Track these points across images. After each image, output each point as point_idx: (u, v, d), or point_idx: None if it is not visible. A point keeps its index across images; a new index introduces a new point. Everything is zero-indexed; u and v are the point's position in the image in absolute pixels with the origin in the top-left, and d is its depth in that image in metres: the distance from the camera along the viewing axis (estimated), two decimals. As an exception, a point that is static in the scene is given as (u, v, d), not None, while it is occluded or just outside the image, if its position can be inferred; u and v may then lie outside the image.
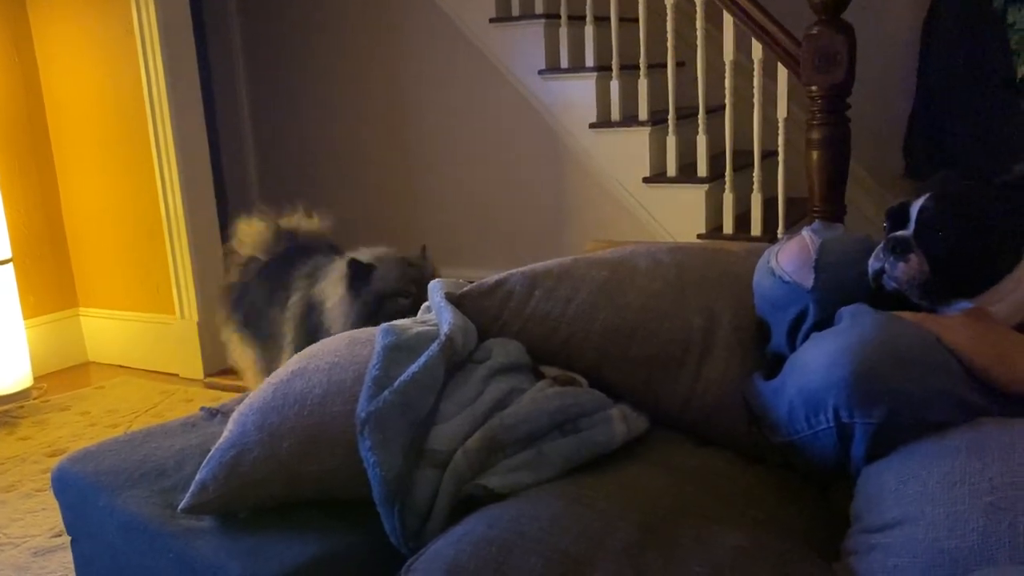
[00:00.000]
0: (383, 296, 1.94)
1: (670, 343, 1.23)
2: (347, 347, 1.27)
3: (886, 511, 0.91)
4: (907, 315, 1.03)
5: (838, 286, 1.10)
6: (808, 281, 1.13)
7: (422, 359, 1.18)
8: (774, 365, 1.13)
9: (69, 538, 1.39)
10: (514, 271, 1.42)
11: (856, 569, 0.89)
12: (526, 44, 3.48)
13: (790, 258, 1.17)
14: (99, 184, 3.42)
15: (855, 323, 1.01)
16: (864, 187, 3.57)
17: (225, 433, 1.20)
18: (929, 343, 0.98)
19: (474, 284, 1.45)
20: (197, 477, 1.15)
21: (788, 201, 2.80)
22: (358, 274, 1.95)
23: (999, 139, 3.37)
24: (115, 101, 3.29)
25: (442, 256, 3.80)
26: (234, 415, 1.23)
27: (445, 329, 1.25)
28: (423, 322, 1.40)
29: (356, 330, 1.38)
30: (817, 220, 1.20)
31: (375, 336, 1.27)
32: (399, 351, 1.23)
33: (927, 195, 1.01)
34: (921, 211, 1.01)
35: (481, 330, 1.34)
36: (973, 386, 0.97)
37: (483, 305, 1.37)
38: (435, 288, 1.42)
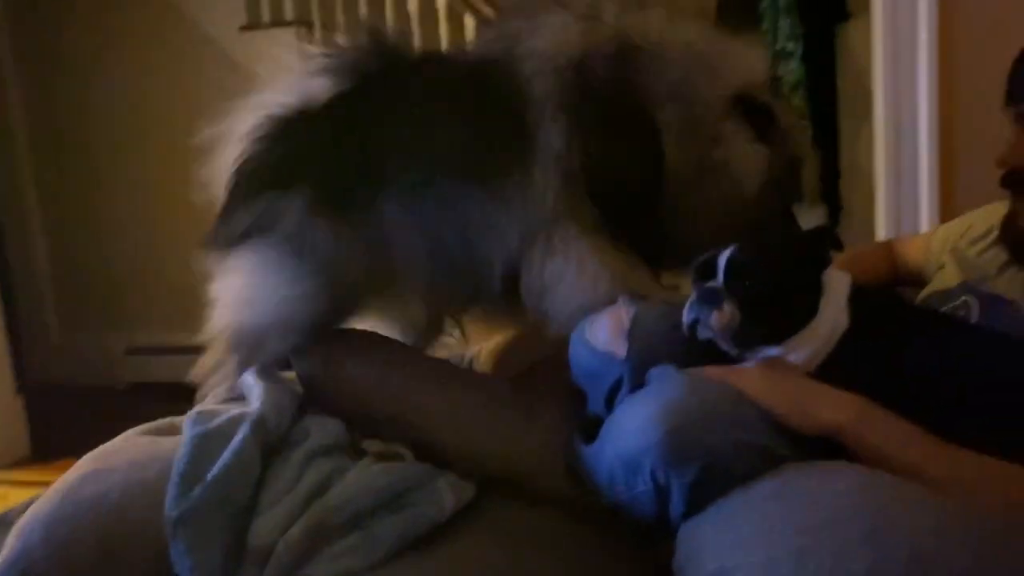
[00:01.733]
0: None
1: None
2: (147, 443, 1.18)
3: (706, 563, 0.93)
4: (709, 371, 1.08)
5: (651, 354, 1.14)
6: (621, 351, 1.16)
7: (233, 446, 1.12)
8: (593, 427, 1.16)
9: None
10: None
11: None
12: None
13: (603, 328, 1.21)
14: None
15: (663, 385, 1.05)
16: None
17: (5, 550, 1.08)
18: (733, 397, 1.03)
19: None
20: None
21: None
22: None
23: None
24: None
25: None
26: (15, 528, 1.10)
27: (255, 410, 1.19)
28: (233, 400, 1.33)
29: (154, 423, 1.29)
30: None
31: (180, 427, 1.18)
32: (210, 440, 1.16)
33: (733, 246, 1.08)
34: (729, 262, 1.07)
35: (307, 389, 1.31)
36: (776, 435, 1.02)
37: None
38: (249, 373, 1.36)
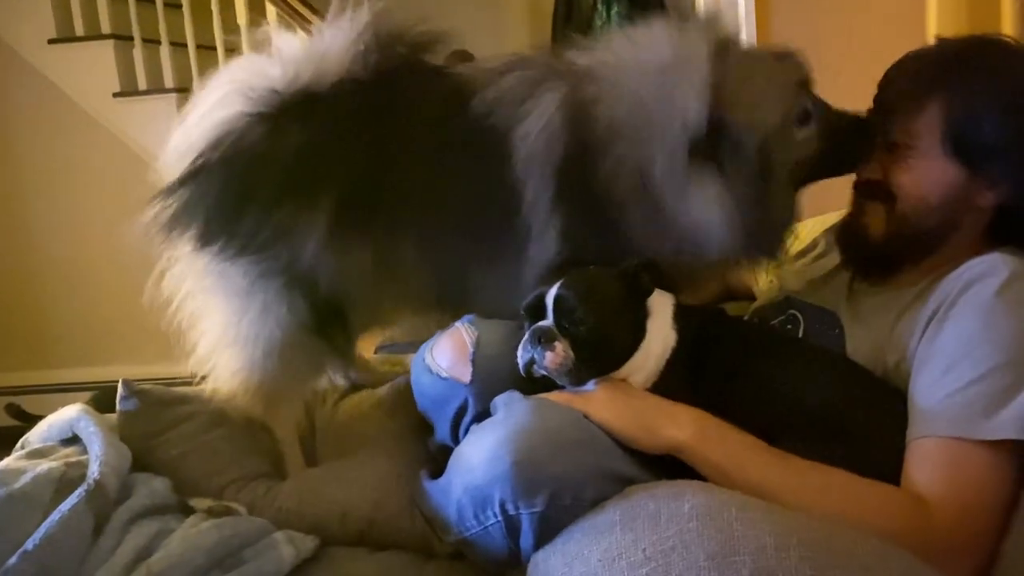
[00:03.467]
0: None
1: None
2: None
3: (558, 595, 0.92)
4: (555, 395, 1.08)
5: (496, 377, 1.12)
6: (465, 376, 1.14)
7: (60, 512, 1.01)
8: (441, 458, 1.13)
9: None
10: None
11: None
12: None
13: (445, 353, 1.18)
14: None
15: (509, 413, 1.03)
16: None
17: None
18: (580, 422, 1.03)
19: (155, 388, 1.30)
20: None
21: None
22: None
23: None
24: None
25: (84, 355, 3.47)
26: None
27: (95, 470, 1.08)
28: (38, 452, 1.21)
29: None
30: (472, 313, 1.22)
31: None
32: (15, 504, 1.04)
33: (558, 284, 1.07)
34: (556, 300, 1.07)
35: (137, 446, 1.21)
36: (623, 456, 1.03)
37: (157, 416, 1.26)
38: (79, 413, 1.24)
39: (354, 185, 1.17)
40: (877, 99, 1.22)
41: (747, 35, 2.33)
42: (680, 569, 0.85)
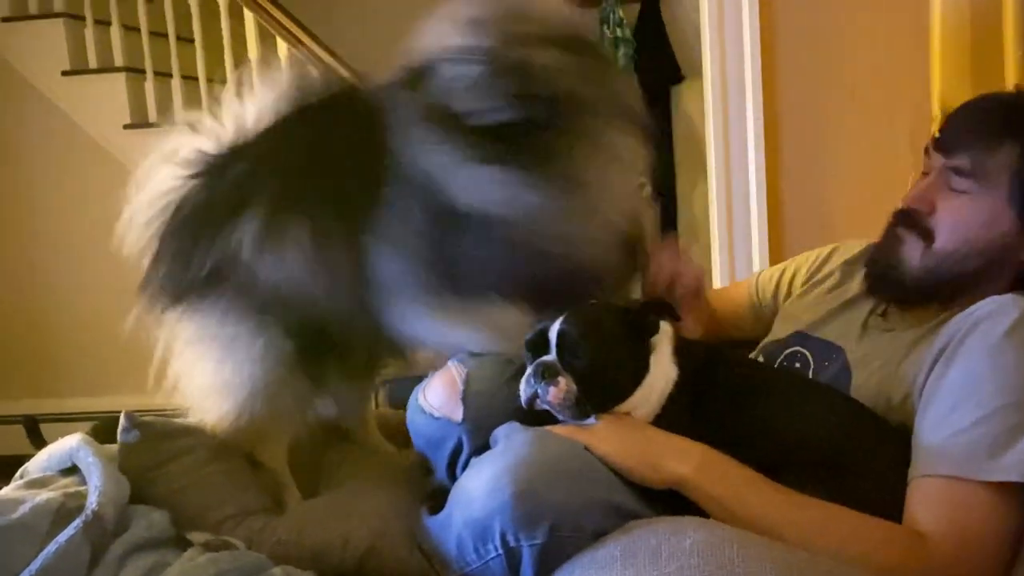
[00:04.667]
0: None
1: None
2: None
3: (556, 631, 0.91)
4: (557, 429, 1.07)
5: (489, 413, 1.12)
6: (457, 414, 1.14)
7: (57, 543, 1.00)
8: (440, 497, 1.12)
9: None
10: None
11: None
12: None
13: (437, 393, 1.18)
14: None
15: (509, 444, 1.03)
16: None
17: None
18: (581, 454, 1.02)
19: (157, 420, 1.29)
20: None
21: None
22: None
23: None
24: None
25: (90, 385, 3.48)
26: None
27: (93, 501, 1.07)
28: (37, 482, 1.20)
29: None
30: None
31: None
32: (12, 534, 1.03)
33: (560, 320, 1.08)
34: (560, 335, 1.07)
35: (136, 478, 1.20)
36: (624, 489, 1.02)
37: (158, 448, 1.25)
38: (79, 443, 1.24)
39: (281, 188, 1.23)
40: (945, 128, 1.20)
41: (755, 81, 2.36)
42: (681, 606, 0.84)
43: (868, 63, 2.30)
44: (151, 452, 1.26)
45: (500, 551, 0.98)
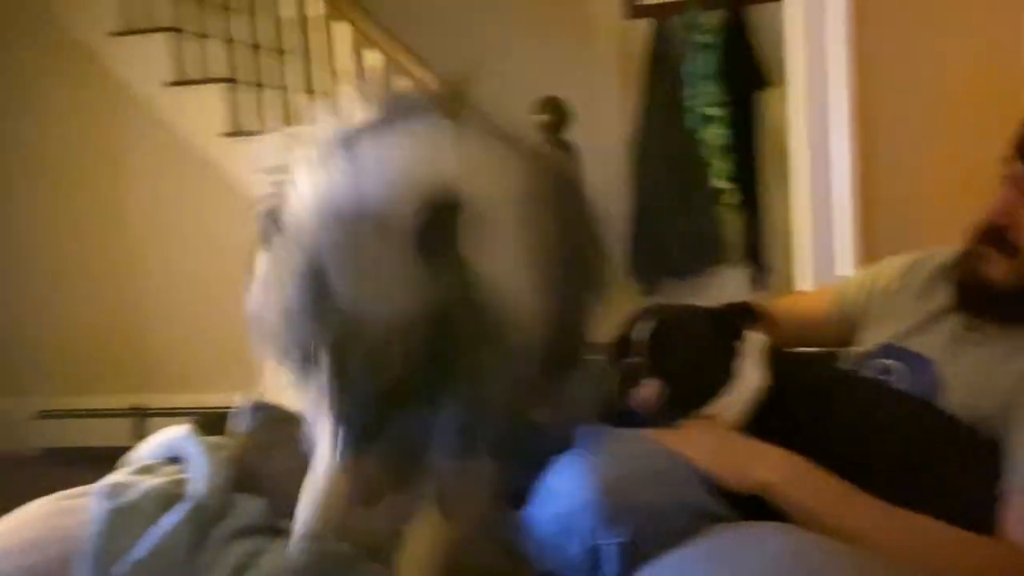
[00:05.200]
0: None
1: None
2: (44, 520, 1.10)
3: (639, 627, 0.92)
4: (643, 433, 1.07)
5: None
6: None
7: (164, 529, 1.05)
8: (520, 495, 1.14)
9: None
10: None
11: None
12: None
13: None
14: None
15: (597, 443, 1.04)
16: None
17: None
18: (668, 456, 1.03)
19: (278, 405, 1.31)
20: None
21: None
22: None
23: (705, 241, 3.77)
24: None
25: (177, 383, 3.64)
26: None
27: (197, 488, 1.13)
28: (145, 469, 1.25)
29: (55, 496, 1.20)
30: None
31: (85, 504, 1.11)
32: (125, 516, 1.09)
33: (649, 320, 1.08)
34: (648, 336, 1.08)
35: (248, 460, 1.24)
36: (709, 494, 1.02)
37: (275, 429, 1.28)
38: (184, 434, 1.29)
39: None
40: None
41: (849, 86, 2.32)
42: (765, 608, 0.84)
43: (961, 69, 2.24)
44: (270, 432, 1.30)
45: (585, 546, 0.99)
